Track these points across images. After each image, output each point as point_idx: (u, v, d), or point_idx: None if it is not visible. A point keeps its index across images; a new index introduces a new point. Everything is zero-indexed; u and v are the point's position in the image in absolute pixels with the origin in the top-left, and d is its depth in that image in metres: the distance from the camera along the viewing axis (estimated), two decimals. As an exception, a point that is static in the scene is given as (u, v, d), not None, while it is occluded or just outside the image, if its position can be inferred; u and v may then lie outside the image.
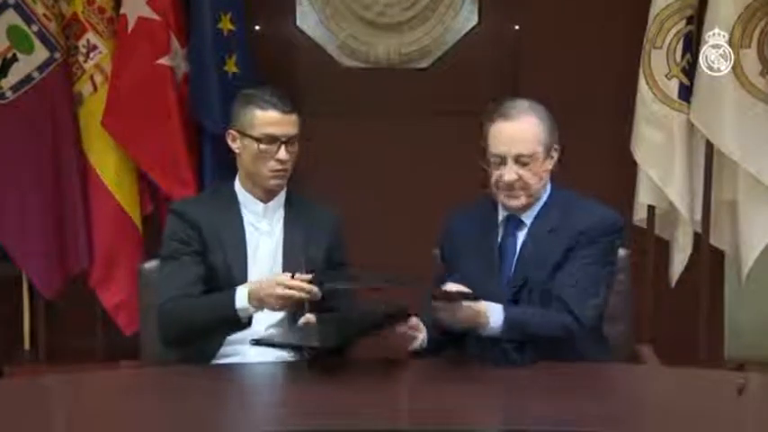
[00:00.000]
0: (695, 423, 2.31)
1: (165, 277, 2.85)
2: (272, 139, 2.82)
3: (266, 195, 2.90)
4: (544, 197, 2.82)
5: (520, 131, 2.75)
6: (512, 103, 2.81)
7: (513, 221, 2.82)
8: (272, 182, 2.87)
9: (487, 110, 2.83)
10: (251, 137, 2.83)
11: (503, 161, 2.75)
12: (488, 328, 2.63)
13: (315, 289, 2.61)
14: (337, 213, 2.99)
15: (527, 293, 2.73)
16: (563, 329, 2.66)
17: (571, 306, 2.68)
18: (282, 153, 2.82)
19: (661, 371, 2.74)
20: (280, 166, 2.84)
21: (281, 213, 2.92)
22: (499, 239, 2.82)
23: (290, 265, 2.82)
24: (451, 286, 2.61)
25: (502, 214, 2.84)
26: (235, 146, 2.89)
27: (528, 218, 2.81)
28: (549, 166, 2.81)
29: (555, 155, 2.81)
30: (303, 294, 2.61)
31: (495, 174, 2.77)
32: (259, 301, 2.66)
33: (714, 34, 3.80)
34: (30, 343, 4.26)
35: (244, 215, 2.90)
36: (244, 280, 2.82)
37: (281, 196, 2.92)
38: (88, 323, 4.16)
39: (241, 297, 2.68)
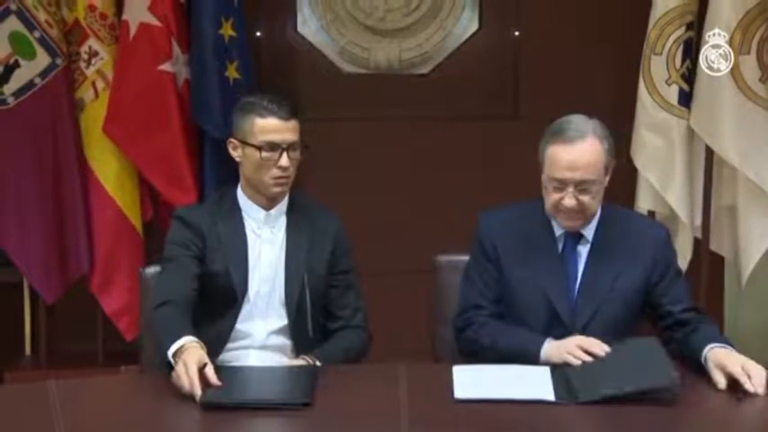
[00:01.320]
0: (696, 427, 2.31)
1: (161, 278, 2.84)
2: (273, 147, 2.79)
3: (268, 203, 2.88)
4: (598, 209, 2.76)
5: (582, 157, 2.63)
6: (570, 124, 2.69)
7: (574, 236, 2.76)
8: (275, 189, 2.85)
9: (547, 128, 2.72)
10: (252, 145, 2.81)
11: (562, 187, 2.66)
12: None
13: (196, 386, 2.41)
14: (338, 219, 2.96)
15: (602, 309, 2.72)
16: None
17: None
18: (284, 160, 2.80)
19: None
20: (282, 173, 2.81)
21: (283, 221, 2.90)
22: (559, 251, 2.77)
23: (291, 277, 2.82)
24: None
25: (559, 228, 2.77)
26: (236, 154, 2.87)
27: (589, 232, 2.76)
28: (605, 183, 2.73)
29: (611, 170, 2.73)
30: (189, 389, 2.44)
31: (554, 197, 2.68)
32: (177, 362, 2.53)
33: (714, 34, 3.78)
34: (31, 348, 4.26)
35: (246, 222, 2.88)
36: (244, 288, 2.82)
37: (284, 204, 2.90)
38: (89, 328, 4.15)
39: (174, 347, 2.54)
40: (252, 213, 2.89)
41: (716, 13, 3.85)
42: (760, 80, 3.87)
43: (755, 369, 2.47)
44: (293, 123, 2.82)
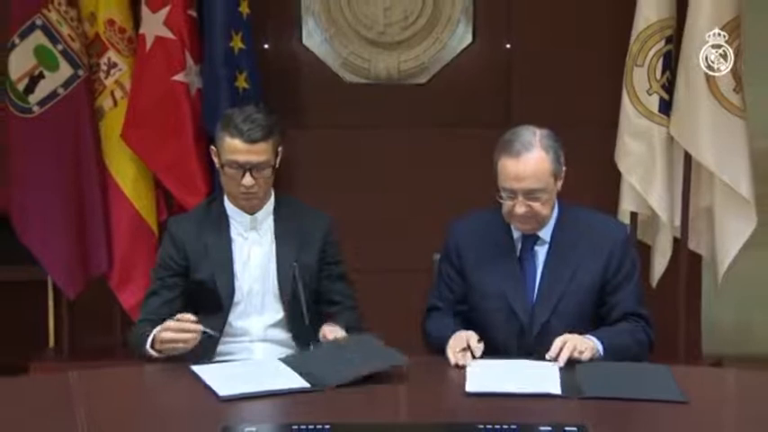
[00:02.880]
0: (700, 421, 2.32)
1: (145, 300, 2.88)
2: (237, 166, 2.76)
3: (249, 208, 2.88)
4: (555, 212, 2.78)
5: (527, 168, 2.66)
6: (517, 137, 2.70)
7: (531, 238, 2.78)
8: (241, 202, 2.84)
9: (499, 140, 2.74)
10: (219, 161, 2.81)
11: (513, 196, 2.69)
12: (599, 355, 2.62)
13: (200, 328, 2.56)
14: (328, 216, 2.95)
15: (560, 307, 2.73)
16: (649, 345, 2.74)
17: (650, 322, 2.75)
18: (246, 179, 2.76)
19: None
20: (246, 190, 2.79)
21: (269, 222, 2.89)
22: (518, 253, 2.78)
23: (283, 272, 2.81)
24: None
25: (517, 231, 2.79)
26: (216, 162, 2.87)
27: (545, 234, 2.77)
28: (558, 189, 2.75)
29: (563, 176, 2.75)
30: (186, 336, 2.56)
31: (507, 204, 2.71)
32: (159, 348, 2.64)
33: (714, 34, 3.76)
34: (54, 341, 4.27)
35: (232, 227, 2.88)
36: (230, 292, 2.82)
37: (269, 206, 2.89)
38: (108, 323, 4.17)
39: (149, 340, 2.66)
40: (238, 218, 2.88)
41: (693, 27, 3.86)
42: (734, 90, 3.87)
43: (569, 342, 2.55)
44: (262, 146, 2.75)
